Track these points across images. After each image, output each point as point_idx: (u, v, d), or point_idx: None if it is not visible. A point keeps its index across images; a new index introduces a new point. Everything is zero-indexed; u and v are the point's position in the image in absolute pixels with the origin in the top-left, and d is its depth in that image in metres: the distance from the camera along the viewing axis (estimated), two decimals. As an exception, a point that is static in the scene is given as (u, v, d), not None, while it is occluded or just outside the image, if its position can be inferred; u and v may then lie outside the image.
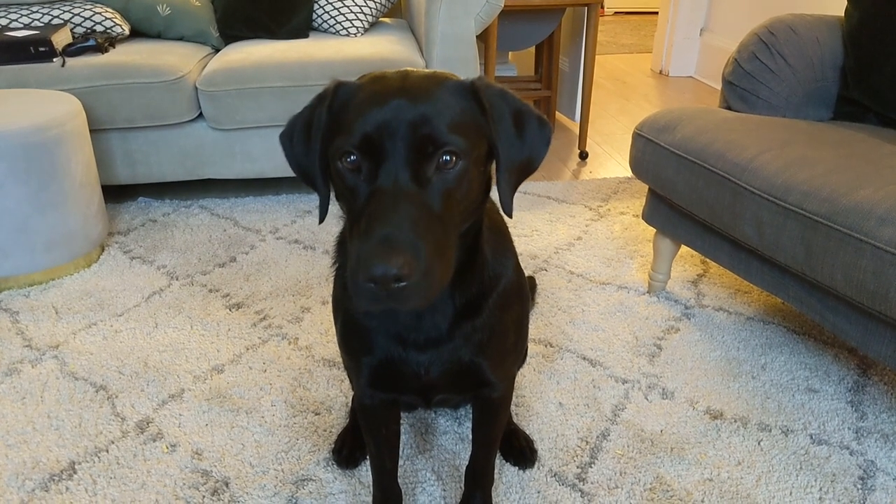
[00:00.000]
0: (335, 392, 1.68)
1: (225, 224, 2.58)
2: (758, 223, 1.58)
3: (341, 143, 0.86)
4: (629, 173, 3.05)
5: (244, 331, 1.93)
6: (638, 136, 1.94)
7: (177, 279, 2.20)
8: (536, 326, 1.95)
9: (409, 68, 0.94)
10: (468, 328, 1.04)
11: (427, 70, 0.94)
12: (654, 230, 2.07)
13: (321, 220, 1.00)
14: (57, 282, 2.18)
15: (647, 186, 2.07)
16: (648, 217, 2.05)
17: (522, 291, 1.18)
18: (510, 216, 0.99)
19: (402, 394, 1.16)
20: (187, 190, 2.85)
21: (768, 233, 1.56)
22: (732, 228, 1.66)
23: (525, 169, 0.98)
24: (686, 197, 1.79)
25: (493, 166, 0.95)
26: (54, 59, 2.48)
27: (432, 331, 1.03)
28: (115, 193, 2.76)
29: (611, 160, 3.33)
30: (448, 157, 0.84)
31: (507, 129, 0.93)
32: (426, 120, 0.84)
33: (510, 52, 3.96)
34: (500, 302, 1.07)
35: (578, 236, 2.48)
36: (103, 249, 2.39)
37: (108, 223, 2.44)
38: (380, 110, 0.84)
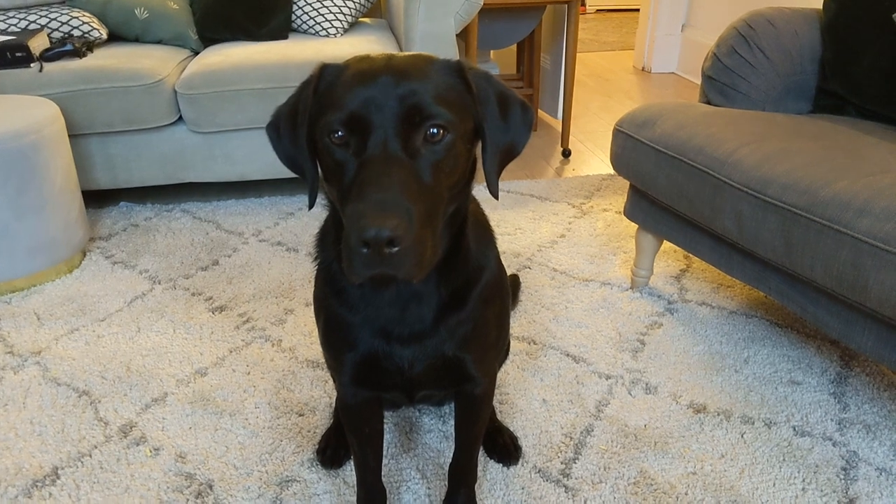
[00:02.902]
0: (319, 393, 1.68)
1: (207, 227, 2.57)
2: (738, 216, 1.58)
3: (328, 119, 0.86)
4: (612, 171, 3.06)
5: (227, 333, 1.92)
6: (618, 133, 1.94)
7: (159, 283, 2.19)
8: (520, 324, 1.95)
9: (394, 52, 0.95)
10: (453, 321, 1.05)
11: (412, 52, 0.96)
12: (636, 226, 2.08)
13: (311, 205, 1.00)
14: (38, 288, 2.16)
15: (628, 183, 2.08)
16: (630, 213, 2.06)
17: (503, 286, 1.18)
18: (496, 197, 1.00)
19: (385, 390, 1.16)
20: (169, 194, 2.83)
21: (748, 226, 1.57)
22: (713, 222, 1.67)
23: (509, 152, 1.00)
24: (667, 192, 1.80)
25: (478, 149, 0.96)
26: (31, 65, 2.46)
27: (417, 324, 1.03)
28: (96, 198, 2.74)
29: (593, 157, 3.34)
30: (436, 130, 0.85)
31: (492, 111, 0.94)
32: (413, 92, 0.85)
33: (491, 51, 3.96)
34: (483, 294, 1.08)
35: (562, 234, 2.48)
36: (85, 255, 2.37)
37: (90, 228, 2.42)
38: (366, 87, 0.85)
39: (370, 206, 0.78)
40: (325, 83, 0.92)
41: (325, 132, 0.87)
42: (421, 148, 0.85)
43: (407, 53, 0.93)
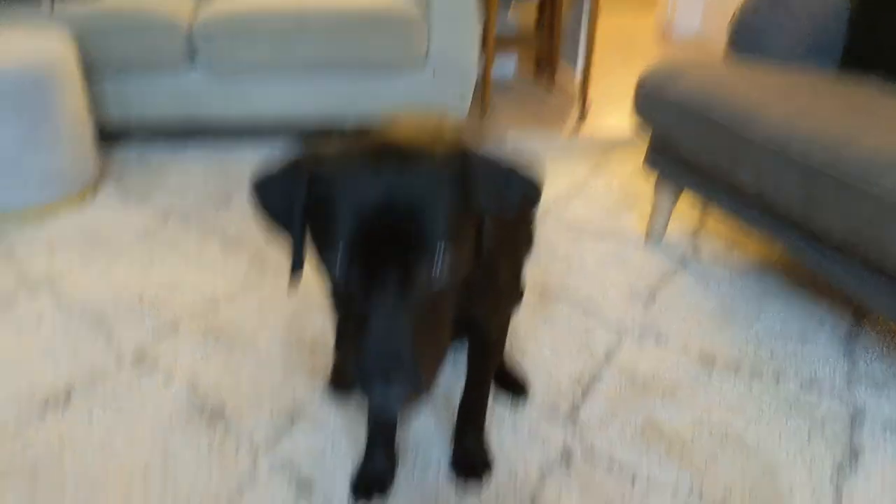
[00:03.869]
0: (330, 331, 1.69)
1: (221, 167, 2.56)
2: (758, 172, 1.57)
3: (327, 259, 0.83)
4: (630, 129, 3.03)
5: (240, 270, 1.93)
6: (641, 87, 1.92)
7: (172, 219, 2.19)
8: (533, 274, 1.95)
9: (385, 138, 0.88)
10: None
11: (407, 134, 0.90)
12: (654, 181, 2.07)
13: (293, 286, 0.98)
14: (51, 219, 2.17)
15: (646, 142, 2.06)
16: (650, 162, 2.03)
17: (514, 236, 1.16)
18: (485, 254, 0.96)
19: None
20: (182, 135, 2.82)
21: (768, 181, 1.55)
22: (733, 176, 1.66)
23: (513, 218, 1.00)
24: (688, 148, 1.78)
25: None
26: (42, 3, 2.43)
27: None
28: (109, 136, 2.73)
29: (612, 116, 3.31)
30: (441, 261, 0.82)
31: (495, 198, 0.90)
32: (417, 228, 0.80)
33: (511, 5, 3.90)
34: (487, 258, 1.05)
35: (578, 189, 2.47)
36: (97, 190, 2.37)
37: (102, 164, 2.42)
38: (364, 221, 0.80)
39: (376, 369, 0.77)
40: (318, 193, 0.85)
41: (323, 265, 0.85)
42: (426, 280, 0.82)
43: (403, 151, 0.85)
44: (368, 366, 0.78)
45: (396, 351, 0.78)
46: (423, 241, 0.81)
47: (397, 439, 1.32)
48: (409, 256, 0.80)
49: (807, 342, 1.69)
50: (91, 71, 2.48)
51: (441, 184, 0.83)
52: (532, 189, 0.94)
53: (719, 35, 4.46)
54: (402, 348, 0.78)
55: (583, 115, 3.30)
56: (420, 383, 0.79)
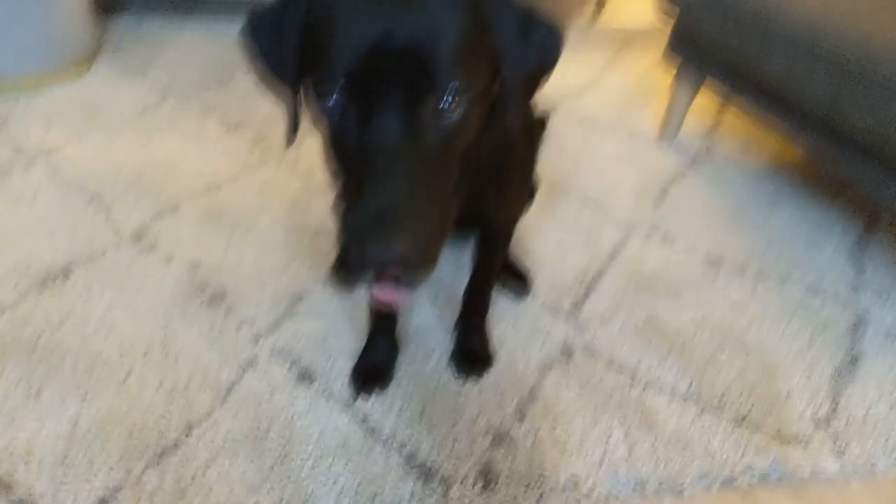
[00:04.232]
0: (333, 216, 1.66)
1: (221, 43, 2.46)
2: (786, 64, 1.50)
3: (321, 79, 0.74)
4: (648, 22, 2.90)
5: (241, 152, 1.88)
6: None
7: (171, 96, 2.12)
8: (541, 167, 1.90)
9: None
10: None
11: None
12: (671, 78, 1.98)
13: (289, 143, 0.89)
14: (46, 89, 2.09)
15: (665, 36, 1.95)
16: (672, 50, 1.93)
17: (529, 134, 1.10)
18: (512, 125, 0.89)
19: None
20: (179, 8, 2.69)
21: (796, 74, 1.48)
22: (759, 69, 1.58)
23: (534, 81, 0.87)
24: (714, 35, 1.69)
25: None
26: None
27: None
28: (106, 6, 2.60)
29: (631, 5, 3.16)
30: (450, 98, 0.73)
31: (512, 42, 0.81)
32: (423, 51, 0.71)
33: None
34: (497, 149, 0.99)
35: (592, 81, 2.38)
36: (93, 62, 2.28)
37: (99, 34, 2.32)
38: (366, 37, 0.71)
39: (374, 221, 0.68)
40: (318, 12, 0.77)
41: (317, 89, 0.75)
42: (431, 123, 0.74)
43: None
44: (365, 216, 0.69)
45: (397, 201, 0.70)
46: (431, 68, 0.72)
47: (398, 329, 1.32)
48: (415, 82, 0.72)
49: (815, 247, 1.67)
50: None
51: (453, 9, 0.74)
52: (553, 36, 0.86)
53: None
54: (404, 197, 0.70)
55: (601, 2, 3.14)
56: (425, 237, 0.71)
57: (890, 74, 1.29)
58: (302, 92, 0.83)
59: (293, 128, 0.87)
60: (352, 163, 0.75)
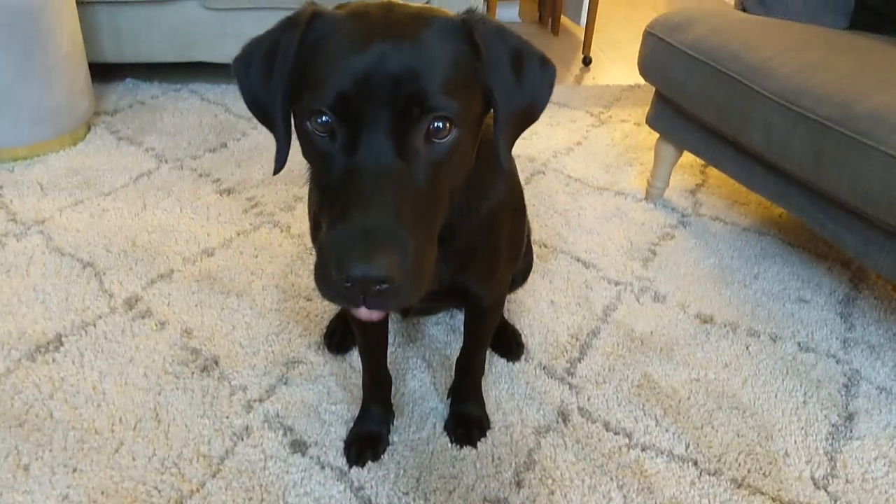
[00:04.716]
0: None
1: (215, 109, 2.50)
2: (768, 127, 1.54)
3: (312, 99, 0.74)
4: (632, 81, 2.97)
5: (235, 216, 1.89)
6: (649, 35, 1.86)
7: (166, 162, 2.14)
8: (532, 227, 1.93)
9: (394, 0, 0.80)
10: (443, 253, 0.90)
11: (414, 5, 0.80)
12: (656, 136, 2.03)
13: (277, 170, 0.88)
14: (42, 158, 2.11)
15: (650, 95, 2.01)
16: (653, 120, 2.00)
17: (516, 207, 1.11)
18: (504, 167, 0.88)
19: None
20: (176, 73, 2.74)
21: (777, 137, 1.52)
22: (741, 132, 1.62)
23: (526, 117, 0.87)
24: (695, 99, 1.74)
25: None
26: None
27: None
28: (102, 73, 2.65)
29: (614, 67, 3.24)
30: (440, 124, 0.73)
31: (504, 75, 0.80)
32: (414, 75, 0.72)
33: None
34: (486, 221, 0.99)
35: (578, 141, 2.43)
36: (89, 129, 2.31)
37: (95, 102, 2.35)
38: (359, 59, 0.72)
39: (356, 238, 0.68)
40: (314, 37, 0.77)
41: (307, 113, 0.75)
42: (420, 148, 0.74)
43: (408, 8, 0.78)
44: (349, 233, 0.68)
45: (383, 219, 0.69)
46: (422, 92, 0.72)
47: (393, 395, 1.31)
48: (406, 105, 0.72)
49: (804, 304, 1.68)
50: (84, 2, 2.39)
51: (446, 39, 0.76)
52: (546, 72, 0.86)
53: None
54: (390, 217, 0.69)
55: (586, 64, 3.23)
56: (408, 257, 0.69)
57: (870, 136, 1.33)
58: (293, 120, 0.82)
59: (282, 155, 0.87)
60: (338, 184, 0.74)
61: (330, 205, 0.74)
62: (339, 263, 0.68)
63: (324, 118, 0.74)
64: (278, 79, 0.80)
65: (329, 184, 0.75)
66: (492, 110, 0.82)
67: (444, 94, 0.73)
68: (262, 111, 0.87)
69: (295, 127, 0.81)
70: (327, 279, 0.71)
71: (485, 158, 0.91)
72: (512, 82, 0.82)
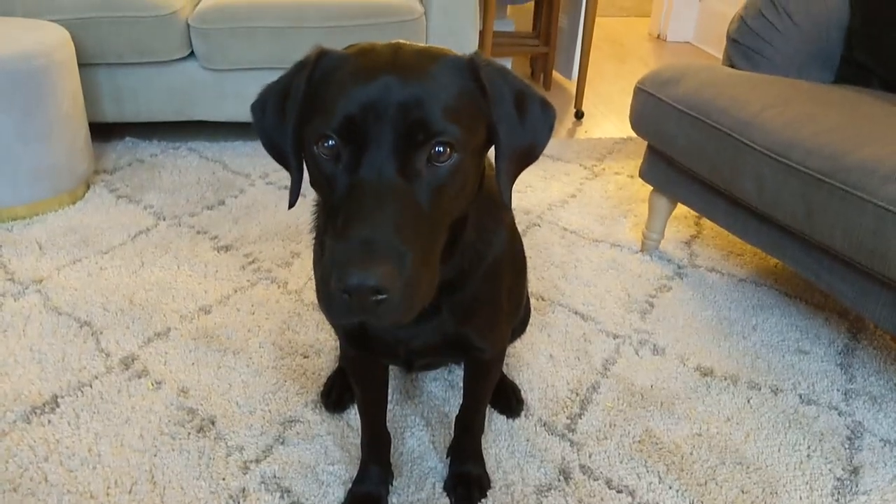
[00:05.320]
0: (324, 336, 1.66)
1: (214, 167, 2.53)
2: (759, 180, 1.56)
3: (319, 124, 0.77)
4: (625, 134, 3.02)
5: (232, 273, 1.90)
6: (640, 91, 1.90)
7: (164, 219, 2.16)
8: (528, 280, 1.93)
9: (401, 41, 0.84)
10: (449, 302, 0.97)
11: (420, 45, 0.85)
12: (650, 189, 2.05)
13: (291, 204, 0.91)
14: (41, 217, 2.12)
15: (642, 147, 2.05)
16: (646, 174, 2.03)
17: (516, 258, 1.13)
18: (508, 205, 0.91)
19: (384, 358, 1.14)
20: (176, 131, 2.78)
21: (769, 190, 1.54)
22: (732, 185, 1.64)
23: (526, 156, 0.90)
24: (686, 153, 1.76)
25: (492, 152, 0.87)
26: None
27: None
28: (102, 132, 2.68)
29: (606, 120, 3.30)
30: (442, 149, 0.76)
31: (508, 113, 0.84)
32: (418, 102, 0.75)
33: (509, 6, 3.88)
34: (489, 272, 1.01)
35: (572, 194, 2.45)
36: (88, 187, 2.33)
37: (94, 161, 2.38)
38: (365, 88, 0.75)
39: (356, 249, 0.70)
40: (322, 72, 0.81)
41: (314, 138, 0.78)
42: (423, 170, 0.76)
43: (415, 46, 0.83)
44: (349, 244, 0.70)
45: (382, 232, 0.71)
46: (426, 116, 0.75)
47: (391, 454, 1.30)
48: (410, 128, 0.74)
49: (804, 355, 1.68)
50: (85, 63, 2.43)
51: (452, 73, 0.79)
52: (547, 113, 0.89)
53: (712, 43, 4.46)
54: (390, 231, 0.71)
55: (578, 117, 3.28)
56: (406, 269, 0.71)
57: (862, 188, 1.35)
58: (303, 151, 0.85)
59: (296, 187, 0.89)
60: (341, 200, 0.76)
61: (333, 222, 0.76)
62: (337, 273, 0.70)
63: (330, 142, 0.76)
64: (290, 117, 0.84)
65: (333, 202, 0.77)
66: (494, 146, 0.85)
67: (447, 120, 0.76)
68: (276, 150, 0.91)
69: (304, 156, 0.84)
70: (328, 293, 0.73)
71: (487, 209, 0.95)
72: (515, 121, 0.85)
